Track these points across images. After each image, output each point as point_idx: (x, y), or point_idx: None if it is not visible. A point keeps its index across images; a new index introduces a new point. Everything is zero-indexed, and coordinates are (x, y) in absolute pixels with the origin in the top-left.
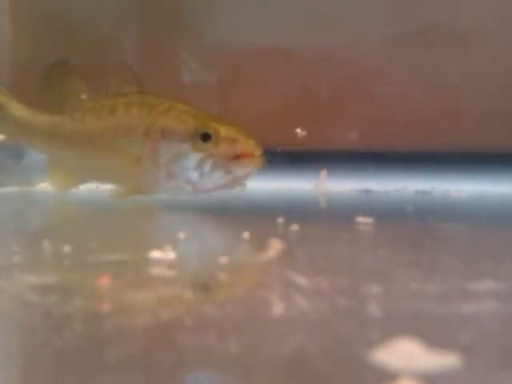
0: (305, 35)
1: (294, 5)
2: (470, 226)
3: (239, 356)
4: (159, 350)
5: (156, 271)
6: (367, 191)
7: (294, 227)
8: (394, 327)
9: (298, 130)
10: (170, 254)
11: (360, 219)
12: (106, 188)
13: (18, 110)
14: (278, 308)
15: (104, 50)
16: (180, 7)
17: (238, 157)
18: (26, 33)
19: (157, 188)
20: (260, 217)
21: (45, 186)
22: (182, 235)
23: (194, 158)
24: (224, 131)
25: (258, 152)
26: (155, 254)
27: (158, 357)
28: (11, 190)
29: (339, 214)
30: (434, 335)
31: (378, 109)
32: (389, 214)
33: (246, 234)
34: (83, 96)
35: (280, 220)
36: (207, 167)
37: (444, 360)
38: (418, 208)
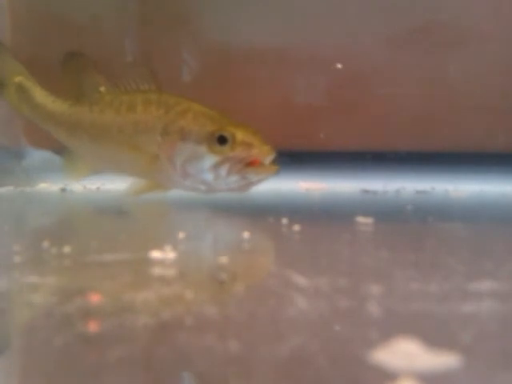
0: (305, 35)
1: (294, 4)
2: (470, 226)
3: (239, 356)
4: (159, 350)
5: (156, 271)
6: (367, 191)
7: (294, 227)
8: (394, 327)
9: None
10: (170, 254)
11: (360, 219)
12: (107, 188)
13: (40, 95)
14: (278, 308)
15: (104, 50)
16: (180, 7)
17: (252, 162)
18: (26, 32)
19: (172, 186)
20: (260, 217)
21: (45, 186)
22: (182, 235)
23: (209, 160)
24: (240, 135)
25: (272, 158)
26: (155, 254)
27: (158, 357)
28: (11, 189)
29: (339, 214)
30: (434, 335)
31: (378, 109)
32: (389, 214)
33: (246, 234)
34: (101, 89)
35: (280, 220)
36: (223, 170)
37: (444, 360)
38: (417, 208)
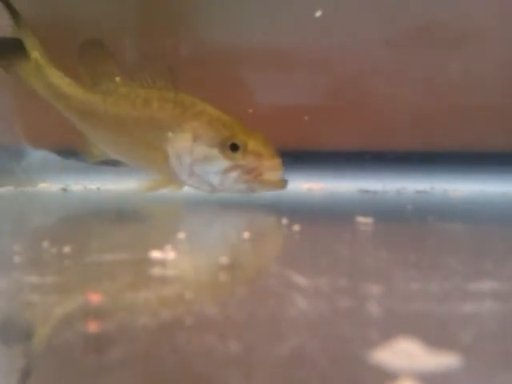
0: (304, 35)
1: (294, 4)
2: (470, 226)
3: (239, 356)
4: (159, 350)
5: (156, 271)
6: (367, 191)
7: (294, 227)
8: (394, 327)
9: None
10: (170, 254)
11: (360, 219)
12: (107, 188)
13: (54, 76)
14: (278, 308)
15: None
16: (180, 7)
17: (260, 173)
18: None
19: (178, 182)
20: (260, 216)
21: (45, 186)
22: (182, 235)
23: (220, 165)
24: (252, 145)
25: (280, 169)
26: (155, 254)
27: (158, 357)
28: (11, 189)
29: (339, 214)
30: (434, 335)
31: (378, 109)
32: (389, 214)
33: (246, 234)
34: (117, 79)
35: (280, 220)
36: (231, 177)
37: (444, 360)
38: (417, 208)
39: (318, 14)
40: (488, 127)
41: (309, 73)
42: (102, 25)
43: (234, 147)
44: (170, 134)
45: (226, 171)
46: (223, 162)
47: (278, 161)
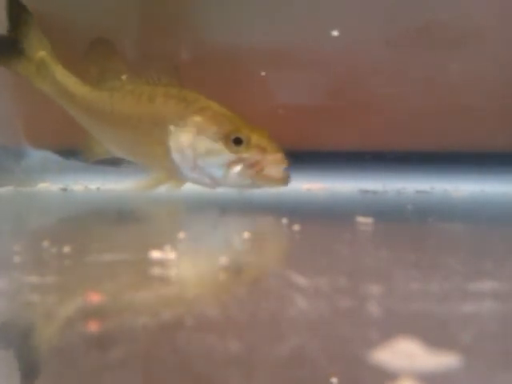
0: (304, 35)
1: (294, 5)
2: (470, 226)
3: (239, 356)
4: (159, 351)
5: (156, 271)
6: (367, 191)
7: (294, 227)
8: (394, 327)
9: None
10: (170, 254)
11: (360, 219)
12: (107, 188)
13: (60, 74)
14: (278, 308)
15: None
16: (179, 7)
17: (263, 167)
18: None
19: (179, 177)
20: (260, 217)
21: (45, 186)
22: (182, 235)
23: (223, 158)
24: (255, 139)
25: (283, 162)
26: (155, 254)
27: (158, 357)
28: (11, 189)
29: (339, 214)
30: (434, 335)
31: (378, 109)
32: (389, 214)
33: (246, 234)
34: (123, 77)
35: (280, 220)
36: (235, 169)
37: (444, 360)
38: (417, 208)
39: (336, 33)
40: (488, 127)
41: (309, 73)
42: (101, 25)
43: (238, 141)
44: (172, 129)
45: (230, 164)
46: (227, 156)
47: (281, 155)
